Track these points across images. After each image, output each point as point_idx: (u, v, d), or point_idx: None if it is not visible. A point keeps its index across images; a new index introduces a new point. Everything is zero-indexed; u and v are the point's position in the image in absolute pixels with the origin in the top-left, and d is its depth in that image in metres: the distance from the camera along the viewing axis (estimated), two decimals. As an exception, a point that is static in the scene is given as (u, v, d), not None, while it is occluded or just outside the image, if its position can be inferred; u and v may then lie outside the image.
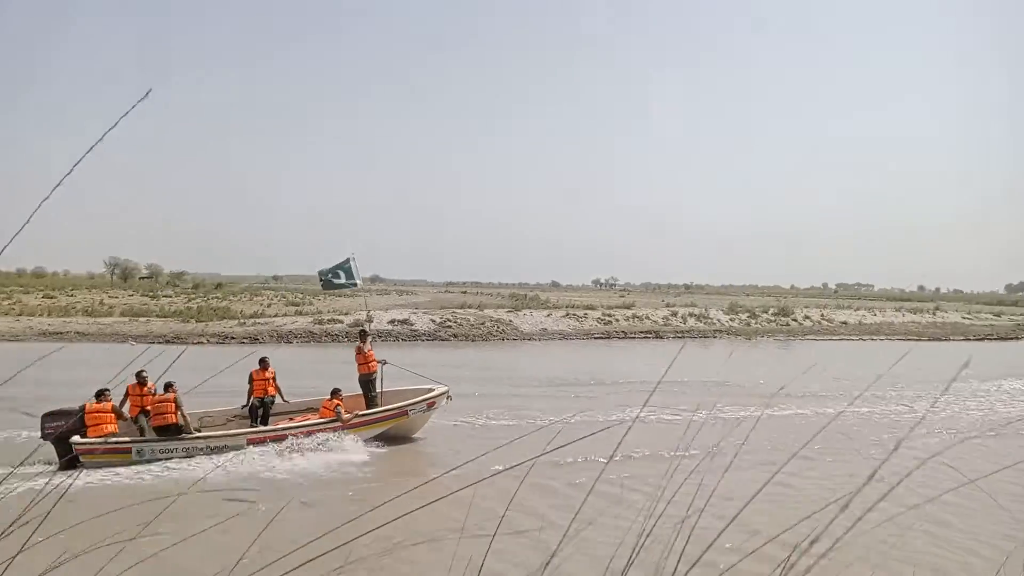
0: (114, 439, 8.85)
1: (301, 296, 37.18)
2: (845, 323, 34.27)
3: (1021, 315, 41.58)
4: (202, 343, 24.65)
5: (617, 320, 31.63)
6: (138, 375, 9.10)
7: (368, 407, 10.32)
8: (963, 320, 37.31)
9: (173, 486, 7.42)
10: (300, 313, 30.77)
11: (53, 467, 8.30)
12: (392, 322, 29.61)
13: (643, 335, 30.36)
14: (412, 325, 29.31)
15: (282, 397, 10.19)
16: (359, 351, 10.80)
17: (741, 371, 18.61)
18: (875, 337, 32.77)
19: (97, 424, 8.76)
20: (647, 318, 32.88)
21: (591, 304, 37.13)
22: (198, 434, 9.23)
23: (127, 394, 9.22)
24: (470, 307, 32.99)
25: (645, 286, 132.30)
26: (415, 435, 10.52)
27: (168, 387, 9.00)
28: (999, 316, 40.51)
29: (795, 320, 33.66)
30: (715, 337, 31.38)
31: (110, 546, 1.59)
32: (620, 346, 27.43)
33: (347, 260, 11.56)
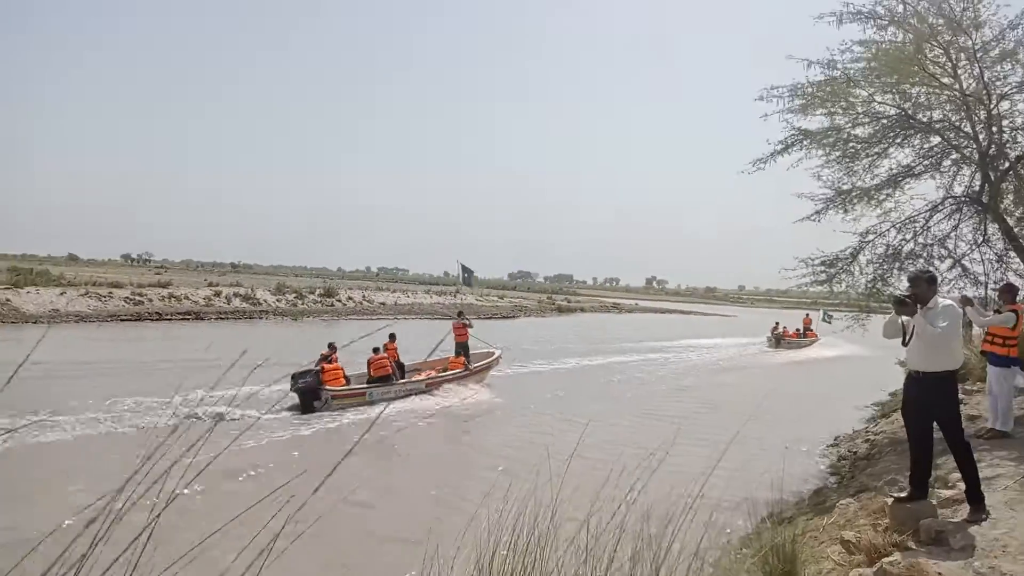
0: (357, 386, 14.64)
1: None
2: (384, 304, 45.56)
3: (519, 298, 64.35)
4: None
5: (151, 300, 34.67)
6: (330, 345, 14.80)
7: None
8: (476, 302, 53.21)
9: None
10: None
11: (297, 412, 13.30)
12: None
13: (181, 316, 34.33)
14: None
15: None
16: (462, 326, 18.15)
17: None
18: (407, 317, 47.16)
19: (334, 379, 14.14)
20: (187, 298, 36.81)
21: (118, 281, 38.77)
22: (400, 382, 15.48)
23: (322, 357, 14.35)
24: (-57, 283, 32.29)
25: (186, 263, 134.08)
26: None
27: (376, 350, 15.38)
28: (503, 299, 59.97)
29: (339, 301, 43.06)
30: (261, 318, 39.36)
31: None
32: (153, 328, 31.66)
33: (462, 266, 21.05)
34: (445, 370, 16.99)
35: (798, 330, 35.58)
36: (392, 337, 16.56)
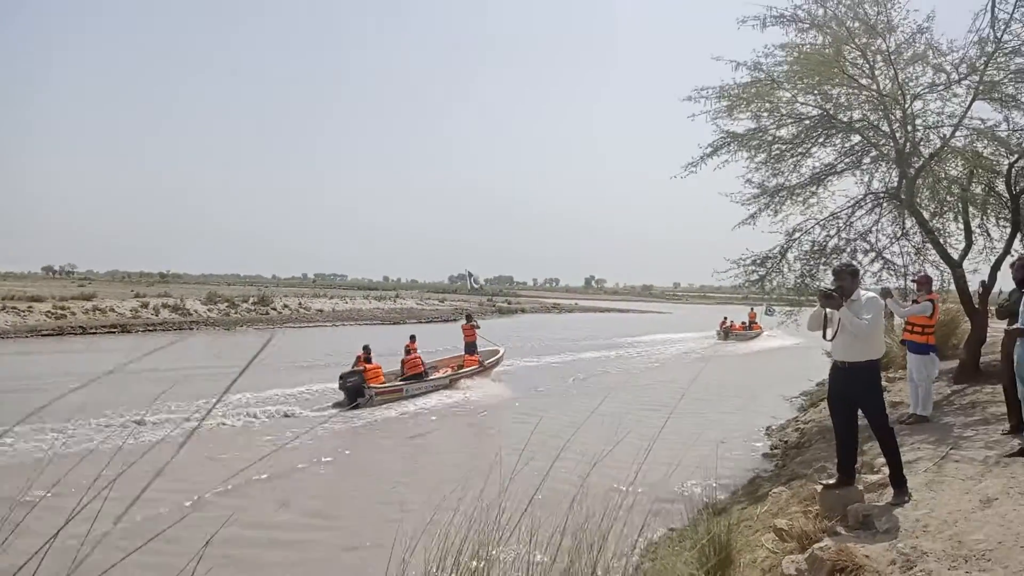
0: (395, 383, 16.29)
1: None
2: (321, 311, 44.60)
3: (459, 301, 64.30)
4: None
5: (73, 313, 33.22)
6: (364, 348, 16.24)
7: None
8: (416, 306, 53.46)
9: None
10: None
11: (342, 408, 14.70)
12: None
13: (107, 329, 34.06)
14: None
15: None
16: (471, 328, 20.25)
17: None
18: (346, 323, 46.47)
19: (375, 377, 15.61)
20: (112, 310, 35.77)
21: (38, 295, 37.17)
22: (429, 378, 17.23)
23: (358, 358, 15.90)
24: None
25: (112, 275, 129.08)
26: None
27: (409, 351, 17.30)
28: (443, 302, 60.68)
29: (275, 309, 41.98)
30: (192, 329, 38.41)
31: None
32: (79, 343, 31.27)
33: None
34: (460, 367, 19.08)
35: (744, 323, 37.36)
36: (412, 338, 18.59)
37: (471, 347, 20.14)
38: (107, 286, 58.61)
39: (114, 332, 33.03)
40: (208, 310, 39.54)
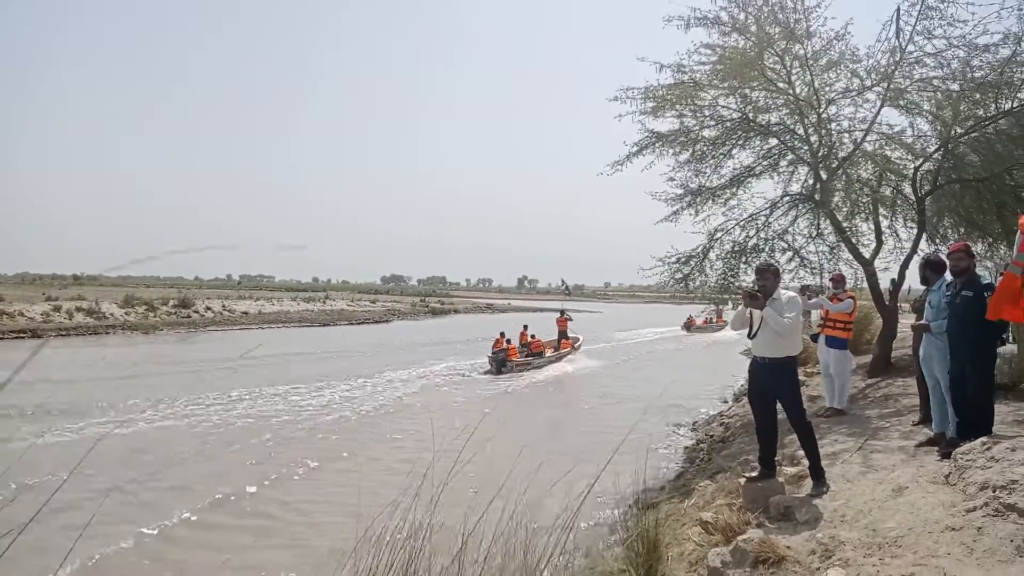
0: (526, 359, 22.46)
1: None
2: (246, 313, 43.29)
3: (391, 302, 64.12)
4: None
5: (-25, 318, 32.81)
6: (501, 334, 22.36)
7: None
8: (348, 307, 52.55)
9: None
10: None
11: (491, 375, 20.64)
12: None
13: (15, 335, 32.86)
14: None
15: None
16: (564, 320, 26.62)
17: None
18: (273, 325, 45.23)
19: (513, 354, 21.66)
20: (21, 314, 34.29)
21: None
22: (545, 356, 23.59)
23: (497, 340, 21.92)
24: None
25: (21, 277, 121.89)
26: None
27: (533, 336, 23.91)
28: (375, 303, 60.25)
29: (197, 312, 40.47)
30: (108, 333, 36.78)
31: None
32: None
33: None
34: (558, 349, 25.53)
35: (708, 319, 40.66)
36: (525, 327, 24.60)
37: (563, 334, 26.41)
38: (15, 289, 55.18)
39: (23, 337, 31.13)
40: (125, 313, 37.75)
